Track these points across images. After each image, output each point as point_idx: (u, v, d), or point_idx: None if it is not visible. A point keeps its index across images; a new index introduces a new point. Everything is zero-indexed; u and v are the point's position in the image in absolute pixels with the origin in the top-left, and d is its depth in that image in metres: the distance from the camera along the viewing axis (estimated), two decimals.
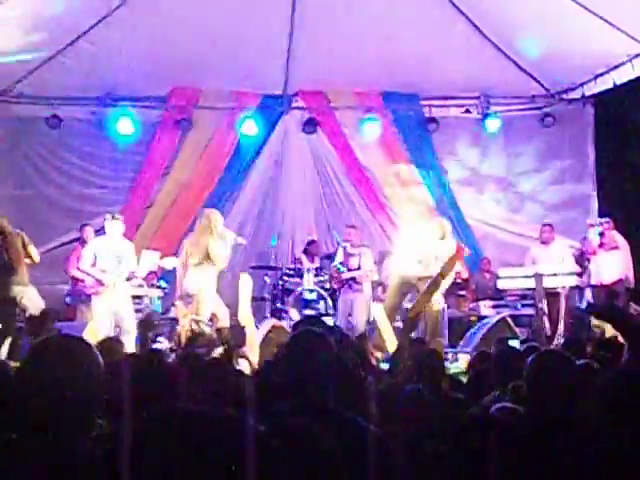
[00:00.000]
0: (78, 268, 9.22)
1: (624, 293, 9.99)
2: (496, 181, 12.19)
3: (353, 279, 10.19)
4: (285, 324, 9.45)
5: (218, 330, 8.41)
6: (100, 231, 9.71)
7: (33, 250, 8.61)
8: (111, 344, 5.66)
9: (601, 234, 10.08)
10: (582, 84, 11.00)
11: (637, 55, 9.43)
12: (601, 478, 2.66)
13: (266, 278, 10.89)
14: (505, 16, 9.65)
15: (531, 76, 11.09)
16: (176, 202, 11.56)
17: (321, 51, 10.26)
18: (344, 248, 10.42)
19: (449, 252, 8.44)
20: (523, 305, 10.27)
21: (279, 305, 10.71)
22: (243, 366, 6.93)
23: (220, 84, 11.32)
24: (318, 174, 12.02)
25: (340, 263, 10.36)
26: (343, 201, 12.02)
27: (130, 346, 7.82)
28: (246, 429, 1.57)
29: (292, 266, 11.11)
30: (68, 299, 10.18)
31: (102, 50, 10.00)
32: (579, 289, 10.54)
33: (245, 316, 8.72)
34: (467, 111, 11.98)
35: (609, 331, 8.55)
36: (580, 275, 10.18)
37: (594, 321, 9.03)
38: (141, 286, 9.78)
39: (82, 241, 10.09)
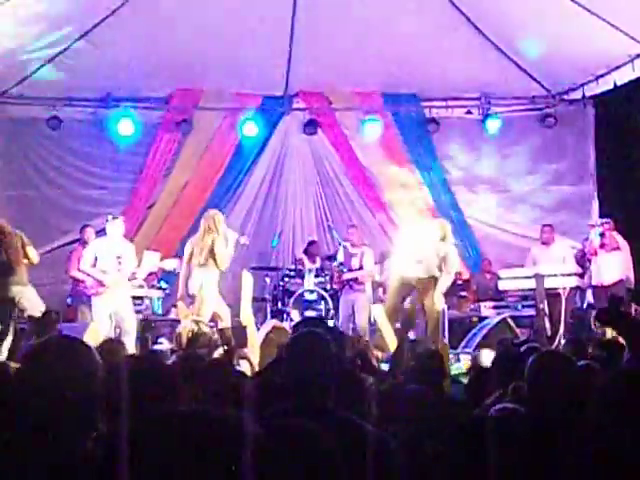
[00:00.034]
0: (79, 269, 9.22)
1: (625, 293, 9.98)
2: (496, 181, 12.18)
3: (355, 279, 10.19)
4: (286, 325, 9.46)
5: (220, 331, 8.41)
6: (101, 232, 9.71)
7: (32, 251, 8.60)
8: (112, 345, 5.66)
9: (602, 235, 10.07)
10: (583, 85, 10.99)
11: (638, 56, 9.43)
12: (601, 478, 2.66)
13: (267, 279, 10.89)
14: (506, 17, 9.65)
15: (532, 77, 11.09)
16: (177, 203, 11.56)
17: (322, 52, 10.26)
18: (345, 248, 10.42)
19: (450, 253, 8.43)
20: (524, 306, 10.26)
21: (280, 306, 10.71)
22: (244, 367, 6.93)
23: (221, 85, 11.33)
24: (319, 175, 12.03)
25: (340, 263, 10.36)
26: (344, 201, 12.03)
27: (130, 347, 7.82)
28: (246, 429, 1.57)
29: (293, 267, 11.11)
30: (69, 300, 10.18)
31: (103, 51, 10.01)
32: (580, 290, 10.54)
33: (246, 316, 8.73)
34: (468, 112, 11.98)
35: (610, 332, 8.56)
36: (581, 276, 10.17)
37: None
38: (141, 287, 9.78)
39: (83, 242, 10.09)
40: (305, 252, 11.32)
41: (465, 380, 5.84)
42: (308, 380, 2.69)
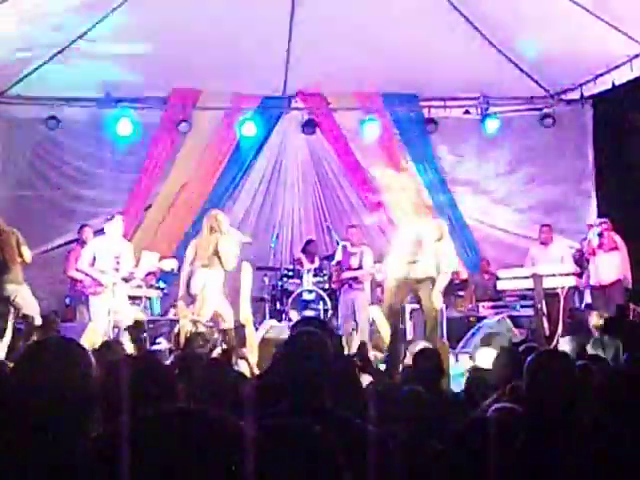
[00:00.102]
0: (77, 268, 9.22)
1: (623, 293, 10.00)
2: (495, 181, 12.18)
3: (354, 278, 10.18)
4: (284, 325, 9.46)
5: (223, 332, 8.42)
6: (99, 232, 9.71)
7: (26, 251, 8.60)
8: (111, 345, 5.67)
9: (600, 235, 10.08)
10: (581, 85, 11.00)
11: (636, 56, 9.44)
12: (601, 478, 2.66)
13: (265, 279, 10.89)
14: (504, 17, 9.65)
15: (530, 77, 11.09)
16: (175, 203, 11.56)
17: (320, 52, 10.26)
18: (344, 247, 10.42)
19: (446, 252, 8.42)
20: (522, 306, 10.27)
21: (278, 306, 10.71)
22: (242, 367, 6.94)
23: (219, 85, 11.32)
24: (317, 175, 12.04)
25: (338, 262, 10.37)
26: (342, 202, 12.03)
27: (129, 346, 7.82)
28: (246, 429, 1.57)
29: (291, 267, 11.11)
30: (67, 300, 10.18)
31: (101, 51, 10.00)
32: (578, 290, 10.55)
33: (245, 316, 8.73)
34: (466, 112, 11.98)
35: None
36: (579, 276, 10.17)
37: (593, 322, 9.03)
38: (140, 287, 9.78)
39: (81, 242, 10.08)
40: (303, 251, 11.32)
41: (463, 380, 5.84)
42: (305, 380, 2.69)
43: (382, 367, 7.63)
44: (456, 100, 11.94)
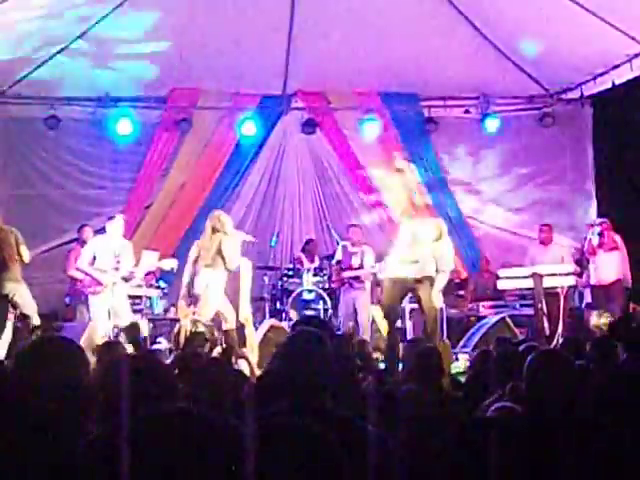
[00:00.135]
0: (76, 267, 9.22)
1: (623, 293, 10.00)
2: (495, 181, 12.19)
3: (355, 278, 10.18)
4: (284, 324, 9.46)
5: (225, 332, 8.43)
6: (99, 232, 9.70)
7: (24, 250, 8.62)
8: (111, 345, 5.67)
9: (600, 234, 10.08)
10: (581, 84, 11.00)
11: (636, 55, 9.44)
12: (601, 478, 2.66)
13: (265, 278, 10.88)
14: (504, 16, 9.65)
15: (530, 76, 11.09)
16: (175, 202, 11.56)
17: (320, 51, 10.26)
18: (344, 247, 10.42)
19: (445, 252, 8.41)
20: (522, 305, 10.27)
21: (278, 305, 10.71)
22: (242, 366, 6.94)
23: (219, 85, 11.32)
24: (317, 174, 12.03)
25: (338, 262, 10.37)
26: (342, 201, 12.03)
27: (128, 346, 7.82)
28: (246, 429, 1.57)
29: (291, 266, 11.11)
30: (67, 299, 10.18)
31: (102, 50, 10.00)
32: (578, 289, 10.55)
33: (245, 315, 8.72)
34: (466, 111, 11.98)
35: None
36: (579, 275, 10.18)
37: (593, 321, 9.03)
38: (140, 286, 9.77)
39: (81, 241, 10.08)
40: (303, 251, 11.32)
41: (463, 379, 5.84)
42: (305, 380, 2.69)
43: (382, 367, 7.63)
44: (456, 99, 11.93)
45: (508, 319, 9.70)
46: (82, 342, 7.17)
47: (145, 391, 2.47)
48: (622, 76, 9.89)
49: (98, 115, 11.37)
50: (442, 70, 10.71)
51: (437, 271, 8.17)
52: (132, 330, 8.06)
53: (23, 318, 8.40)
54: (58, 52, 9.93)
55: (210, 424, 1.54)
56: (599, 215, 11.22)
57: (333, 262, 10.55)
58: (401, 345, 7.70)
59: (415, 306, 8.97)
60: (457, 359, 8.61)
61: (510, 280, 10.06)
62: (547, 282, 9.55)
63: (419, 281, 8.11)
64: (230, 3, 9.44)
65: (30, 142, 11.37)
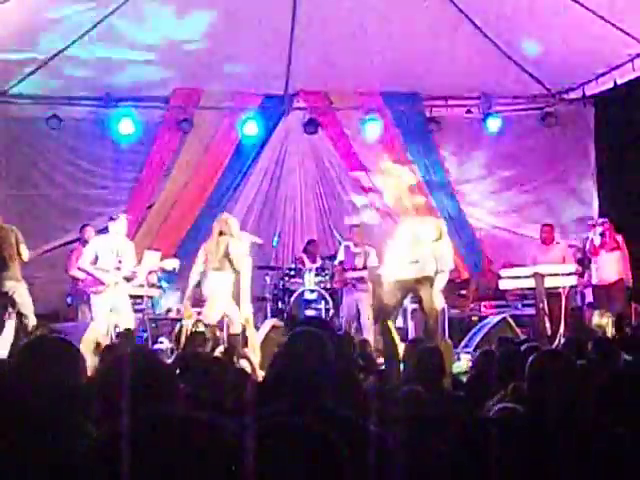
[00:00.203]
0: (78, 267, 9.22)
1: (624, 293, 10.00)
2: (497, 181, 12.18)
3: (359, 279, 10.16)
4: None
5: (230, 336, 8.43)
6: (103, 231, 9.70)
7: (24, 249, 8.65)
8: (111, 344, 5.67)
9: (602, 234, 10.07)
10: (583, 84, 10.99)
11: (638, 55, 9.43)
12: (601, 478, 2.66)
13: (267, 278, 10.88)
14: (506, 16, 9.64)
15: (532, 76, 11.08)
16: (177, 202, 11.56)
17: (322, 51, 10.26)
18: (347, 247, 10.41)
19: (444, 252, 8.40)
20: (524, 305, 10.27)
21: (280, 305, 10.71)
22: (244, 366, 6.93)
23: (221, 84, 11.32)
24: (319, 174, 12.03)
25: (340, 262, 10.36)
26: (344, 201, 12.03)
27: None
28: (246, 429, 1.57)
29: (293, 266, 11.10)
30: (69, 299, 10.19)
31: (103, 50, 10.00)
32: (580, 289, 10.54)
33: (246, 315, 8.71)
34: (468, 111, 11.97)
35: (610, 332, 8.56)
36: (581, 275, 10.17)
37: (595, 321, 9.03)
38: (141, 286, 9.77)
39: (83, 241, 10.09)
40: (304, 251, 11.31)
41: (465, 379, 5.84)
42: (305, 380, 2.69)
43: (383, 367, 7.62)
44: (458, 99, 11.93)
45: (510, 319, 9.70)
46: (84, 342, 7.19)
47: (145, 391, 2.47)
48: (624, 76, 9.88)
49: (100, 115, 11.38)
50: (444, 70, 10.70)
51: (437, 271, 8.17)
52: (127, 334, 8.01)
53: (20, 317, 8.42)
54: (60, 52, 9.93)
55: (211, 424, 1.54)
56: (600, 215, 11.22)
57: (335, 262, 10.55)
58: (402, 345, 7.70)
59: (416, 306, 8.96)
60: (459, 359, 8.60)
61: (512, 280, 10.04)
62: (549, 282, 9.54)
63: (419, 281, 8.10)
64: (232, 2, 9.43)
65: (32, 142, 11.38)
